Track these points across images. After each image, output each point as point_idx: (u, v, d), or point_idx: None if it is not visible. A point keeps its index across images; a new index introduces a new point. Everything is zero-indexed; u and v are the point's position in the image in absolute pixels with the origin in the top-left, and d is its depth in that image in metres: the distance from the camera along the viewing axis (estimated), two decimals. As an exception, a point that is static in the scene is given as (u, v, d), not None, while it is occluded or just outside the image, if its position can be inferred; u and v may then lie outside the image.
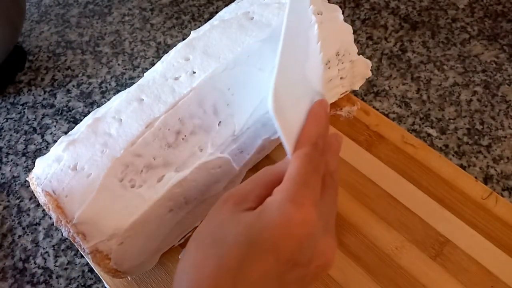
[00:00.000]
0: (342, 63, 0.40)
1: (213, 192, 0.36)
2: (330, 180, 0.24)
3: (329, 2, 0.39)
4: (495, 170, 0.47)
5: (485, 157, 0.48)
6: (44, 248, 0.45)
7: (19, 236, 0.46)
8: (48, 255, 0.45)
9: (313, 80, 0.27)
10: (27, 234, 0.46)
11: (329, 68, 0.39)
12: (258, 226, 0.21)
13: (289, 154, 0.24)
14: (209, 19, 0.41)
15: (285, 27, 0.26)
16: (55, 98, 0.57)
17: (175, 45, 0.37)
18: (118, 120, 0.33)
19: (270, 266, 0.20)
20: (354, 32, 0.60)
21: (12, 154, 0.53)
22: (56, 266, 0.44)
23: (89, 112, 0.55)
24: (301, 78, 0.27)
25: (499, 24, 0.60)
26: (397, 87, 0.55)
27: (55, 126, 0.55)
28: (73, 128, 0.35)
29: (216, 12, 0.53)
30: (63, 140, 0.33)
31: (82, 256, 0.44)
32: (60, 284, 0.43)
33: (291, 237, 0.20)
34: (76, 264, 0.44)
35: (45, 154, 0.34)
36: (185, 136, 0.32)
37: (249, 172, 0.39)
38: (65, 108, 0.56)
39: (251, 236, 0.20)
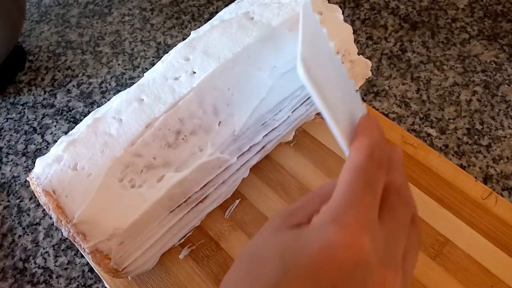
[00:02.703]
0: (342, 63, 0.40)
1: (212, 191, 0.36)
2: (396, 199, 0.20)
3: (329, 2, 0.39)
4: (495, 170, 0.47)
5: (484, 157, 0.48)
6: (44, 248, 0.45)
7: (19, 236, 0.46)
8: (48, 255, 0.45)
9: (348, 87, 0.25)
10: (27, 234, 0.46)
11: (329, 68, 0.39)
12: (295, 248, 0.18)
13: (344, 148, 0.21)
14: (209, 19, 0.41)
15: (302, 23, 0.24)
16: (55, 98, 0.58)
17: (175, 45, 0.37)
18: (118, 120, 0.33)
19: None
20: (354, 32, 0.60)
21: (12, 154, 0.53)
22: (56, 266, 0.44)
23: (89, 112, 0.55)
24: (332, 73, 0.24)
25: (499, 24, 0.61)
26: (397, 87, 0.55)
27: (55, 126, 0.55)
28: (73, 128, 0.35)
29: (216, 12, 0.53)
30: (63, 140, 0.33)
31: (82, 256, 0.44)
32: (60, 284, 0.43)
33: (331, 264, 0.17)
34: (76, 264, 0.44)
35: (45, 154, 0.34)
36: (185, 136, 0.32)
37: (251, 171, 0.39)
38: (65, 108, 0.56)
39: (287, 258, 0.18)
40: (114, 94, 0.56)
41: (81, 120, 0.36)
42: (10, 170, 0.51)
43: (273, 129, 0.37)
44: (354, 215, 0.18)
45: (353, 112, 0.23)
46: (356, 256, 0.17)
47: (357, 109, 0.23)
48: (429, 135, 0.50)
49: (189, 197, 0.34)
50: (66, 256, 0.45)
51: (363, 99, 0.54)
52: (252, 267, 0.19)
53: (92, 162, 0.31)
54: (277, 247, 0.19)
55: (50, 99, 0.57)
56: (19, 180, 0.50)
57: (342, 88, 0.24)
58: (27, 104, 0.57)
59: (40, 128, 0.55)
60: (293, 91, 0.36)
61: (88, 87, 0.58)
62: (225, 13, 0.38)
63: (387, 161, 0.21)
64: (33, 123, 0.55)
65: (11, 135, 0.54)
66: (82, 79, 0.59)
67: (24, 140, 0.54)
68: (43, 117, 0.56)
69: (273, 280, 0.17)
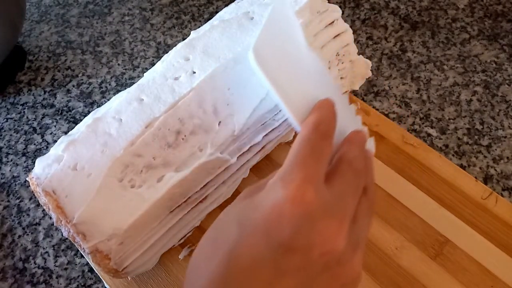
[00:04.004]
0: (342, 63, 0.40)
1: (212, 191, 0.36)
2: (346, 167, 0.22)
3: (329, 2, 0.39)
4: (495, 170, 0.47)
5: (485, 157, 0.48)
6: (44, 248, 0.45)
7: (19, 236, 0.46)
8: (48, 255, 0.45)
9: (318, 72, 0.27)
10: (27, 234, 0.46)
11: (329, 68, 0.39)
12: (250, 210, 0.20)
13: (296, 126, 0.23)
14: (209, 19, 0.41)
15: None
16: (55, 98, 0.57)
17: (175, 45, 0.37)
18: (118, 120, 0.33)
19: (262, 250, 0.19)
20: (354, 32, 0.60)
21: (12, 154, 0.53)
22: (56, 266, 0.44)
23: (89, 112, 0.55)
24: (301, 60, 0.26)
25: (499, 24, 0.60)
26: (397, 87, 0.55)
27: (55, 126, 0.55)
28: (73, 128, 0.35)
29: (216, 12, 0.53)
30: (63, 140, 0.33)
31: (82, 256, 0.44)
32: (60, 284, 0.43)
33: (279, 217, 0.19)
34: (76, 264, 0.44)
35: (45, 154, 0.34)
36: (185, 136, 0.32)
37: (251, 171, 0.39)
38: (65, 108, 0.56)
39: (243, 221, 0.20)
40: (114, 94, 0.56)
41: (81, 120, 0.36)
42: (10, 170, 0.51)
43: (273, 129, 0.37)
44: (298, 173, 0.20)
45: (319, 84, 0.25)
46: (301, 206, 0.19)
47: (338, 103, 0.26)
48: (429, 135, 0.50)
49: (189, 197, 0.33)
50: (66, 256, 0.44)
51: (363, 99, 0.54)
52: (214, 236, 0.21)
53: (92, 162, 0.31)
54: (235, 214, 0.21)
55: (50, 99, 0.57)
56: (19, 180, 0.50)
57: (313, 82, 0.26)
58: (27, 104, 0.57)
59: (40, 128, 0.55)
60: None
61: (88, 87, 0.58)
62: (225, 13, 0.38)
63: (349, 139, 0.24)
64: (33, 123, 0.55)
65: (11, 135, 0.54)
66: (82, 79, 0.59)
67: (24, 140, 0.54)
68: (43, 117, 0.56)
69: (231, 242, 0.19)
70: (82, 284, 0.43)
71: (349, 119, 0.27)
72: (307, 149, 0.21)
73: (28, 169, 0.51)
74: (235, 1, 0.39)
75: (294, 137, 0.42)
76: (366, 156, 0.24)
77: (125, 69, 0.60)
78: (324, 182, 0.21)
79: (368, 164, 0.24)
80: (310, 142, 0.21)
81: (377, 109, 0.52)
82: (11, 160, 0.52)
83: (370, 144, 0.29)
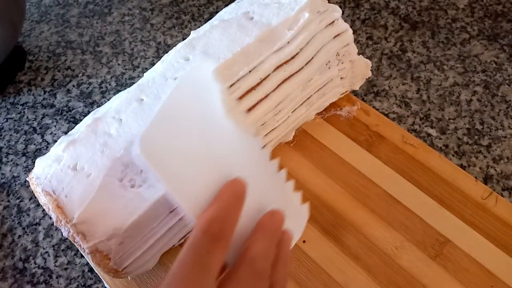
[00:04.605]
0: (342, 63, 0.40)
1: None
2: (245, 270, 0.19)
3: (329, 2, 0.39)
4: (495, 170, 0.47)
5: (485, 157, 0.48)
6: (44, 248, 0.45)
7: (19, 236, 0.46)
8: (48, 255, 0.45)
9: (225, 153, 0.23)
10: (27, 234, 0.46)
11: (329, 68, 0.39)
12: None
13: (192, 222, 0.20)
14: (209, 19, 0.41)
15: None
16: (55, 98, 0.57)
17: (175, 45, 0.37)
18: (118, 120, 0.33)
19: None
20: (354, 32, 0.60)
21: (12, 154, 0.53)
22: (56, 266, 0.44)
23: (89, 112, 0.55)
24: (202, 147, 0.22)
25: (499, 24, 0.60)
26: (397, 87, 0.55)
27: (55, 126, 0.55)
28: (73, 128, 0.35)
29: (216, 12, 0.53)
30: (63, 140, 0.33)
31: (82, 256, 0.44)
32: (60, 284, 0.43)
33: None
34: (76, 264, 0.44)
35: (45, 154, 0.34)
36: (185, 136, 0.32)
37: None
38: (65, 108, 0.56)
39: None
40: (114, 94, 0.56)
41: (81, 120, 0.36)
42: (10, 170, 0.51)
43: (273, 129, 0.37)
44: None
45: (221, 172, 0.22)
46: None
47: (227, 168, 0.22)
48: (429, 135, 0.50)
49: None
50: (66, 256, 0.44)
51: (363, 99, 0.54)
52: None
53: (91, 162, 0.31)
54: None
55: (50, 99, 0.57)
56: (19, 180, 0.50)
57: (230, 156, 0.22)
58: (27, 104, 0.57)
59: (40, 128, 0.55)
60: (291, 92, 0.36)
61: (88, 87, 0.58)
62: (225, 13, 0.38)
63: (260, 225, 0.21)
64: (33, 123, 0.55)
65: (11, 135, 0.54)
66: (82, 79, 0.59)
67: (24, 140, 0.54)
68: (43, 117, 0.56)
69: None
70: (82, 284, 0.43)
71: (274, 189, 0.24)
72: (192, 258, 0.18)
73: (28, 169, 0.51)
74: (235, 1, 0.39)
75: (294, 137, 0.42)
76: (282, 241, 0.21)
77: (125, 69, 0.60)
78: None
79: (281, 255, 0.21)
80: (197, 248, 0.18)
81: (377, 109, 0.52)
82: (11, 160, 0.52)
83: (303, 213, 0.25)
